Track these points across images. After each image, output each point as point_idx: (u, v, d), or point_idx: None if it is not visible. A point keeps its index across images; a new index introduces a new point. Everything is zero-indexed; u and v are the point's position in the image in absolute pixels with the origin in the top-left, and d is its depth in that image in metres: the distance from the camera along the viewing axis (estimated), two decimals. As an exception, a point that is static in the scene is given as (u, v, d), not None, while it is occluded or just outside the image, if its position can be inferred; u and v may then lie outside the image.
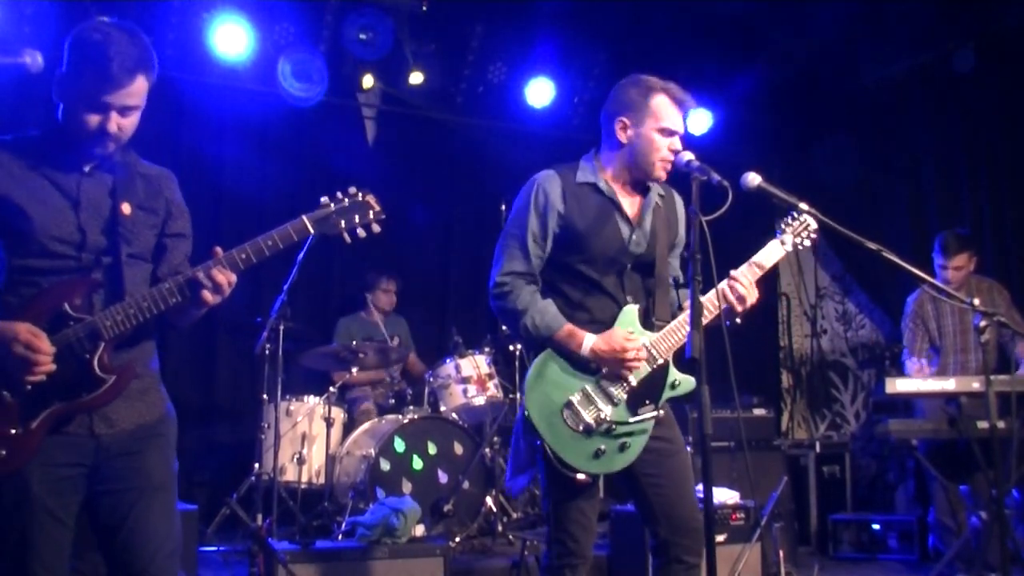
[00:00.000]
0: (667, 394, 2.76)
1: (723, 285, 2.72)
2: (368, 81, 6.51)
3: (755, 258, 2.84)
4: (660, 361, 2.73)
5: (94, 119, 2.18)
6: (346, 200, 2.34)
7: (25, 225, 2.17)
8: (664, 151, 2.75)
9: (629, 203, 2.85)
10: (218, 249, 2.21)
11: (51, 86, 2.23)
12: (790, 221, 2.89)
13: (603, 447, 2.64)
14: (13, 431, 2.11)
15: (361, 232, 2.34)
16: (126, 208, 2.29)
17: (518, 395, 5.26)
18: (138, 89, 2.20)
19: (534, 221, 2.76)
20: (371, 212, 2.35)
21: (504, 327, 5.58)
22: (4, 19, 5.46)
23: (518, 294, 2.72)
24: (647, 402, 2.71)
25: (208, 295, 2.19)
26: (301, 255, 4.59)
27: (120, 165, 2.33)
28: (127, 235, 2.28)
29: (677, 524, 2.71)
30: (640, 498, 2.77)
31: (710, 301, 2.64)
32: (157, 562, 2.24)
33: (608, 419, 2.65)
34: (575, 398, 2.65)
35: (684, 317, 2.75)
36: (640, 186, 2.88)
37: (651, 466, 2.73)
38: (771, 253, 2.85)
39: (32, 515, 2.13)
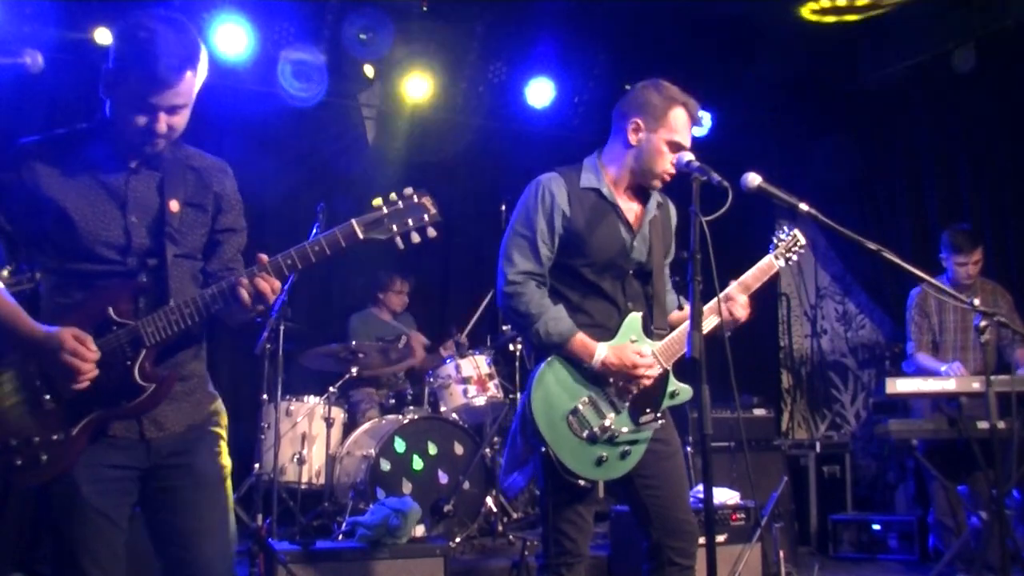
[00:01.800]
0: (666, 403, 2.78)
1: (713, 303, 2.73)
2: (369, 71, 6.48)
3: (749, 273, 2.90)
4: (661, 370, 2.75)
5: (141, 120, 2.13)
6: (400, 202, 2.16)
7: (71, 229, 2.14)
8: (668, 164, 2.78)
9: (629, 210, 2.87)
10: (263, 256, 2.13)
11: (98, 80, 2.18)
12: (782, 237, 2.99)
13: (605, 455, 2.65)
14: (55, 437, 2.08)
15: (415, 237, 2.18)
16: (174, 205, 2.23)
17: (518, 395, 5.26)
18: (186, 87, 2.14)
19: (542, 222, 2.77)
20: (427, 215, 2.17)
21: (506, 326, 5.59)
22: (4, 19, 5.46)
23: (530, 297, 2.72)
24: (648, 410, 2.72)
25: (250, 302, 2.11)
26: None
27: (169, 160, 2.27)
28: (174, 235, 2.22)
29: (671, 527, 2.72)
30: (634, 500, 2.78)
31: (708, 313, 2.68)
32: (216, 568, 2.21)
33: (611, 427, 2.66)
34: (581, 404, 2.66)
35: (686, 326, 2.75)
36: (640, 193, 2.91)
37: (647, 468, 2.73)
38: (766, 268, 2.93)
39: (83, 516, 2.11)
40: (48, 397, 2.09)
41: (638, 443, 2.70)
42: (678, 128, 2.78)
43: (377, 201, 2.16)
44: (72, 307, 2.14)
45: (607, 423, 2.66)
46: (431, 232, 2.19)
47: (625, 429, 2.68)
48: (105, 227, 2.16)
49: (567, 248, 2.78)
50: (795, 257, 2.99)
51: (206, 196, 2.31)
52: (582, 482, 2.63)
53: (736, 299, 2.80)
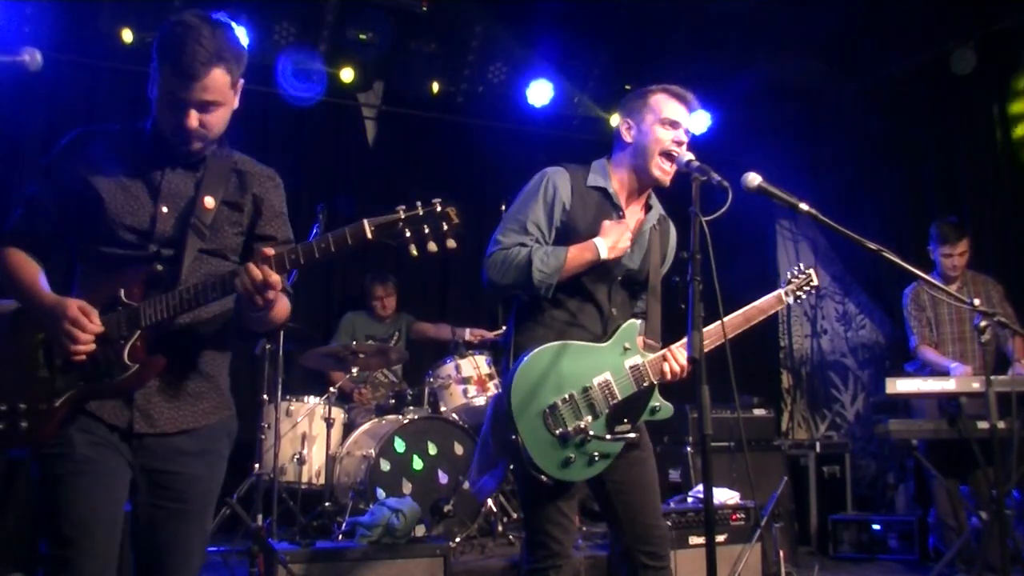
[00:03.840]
0: (645, 417, 2.77)
1: (659, 356, 2.75)
2: (347, 75, 6.48)
3: (754, 305, 2.89)
4: (646, 384, 2.73)
5: (174, 116, 2.14)
6: (421, 209, 2.03)
7: (100, 212, 2.18)
8: (667, 143, 2.78)
9: (632, 215, 2.87)
10: (266, 249, 2.09)
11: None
12: (796, 274, 3.02)
13: (573, 457, 2.63)
14: (40, 406, 2.11)
15: (432, 247, 2.03)
16: (208, 202, 2.23)
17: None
18: (215, 83, 2.11)
19: (540, 211, 2.77)
20: (446, 224, 2.03)
21: (506, 326, 5.59)
22: (4, 19, 5.46)
23: (516, 251, 2.71)
24: (625, 420, 2.70)
25: (245, 292, 2.07)
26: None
27: (214, 161, 2.29)
28: (203, 230, 2.22)
29: (640, 532, 2.71)
30: (604, 503, 2.78)
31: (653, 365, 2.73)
32: None
33: (586, 430, 2.63)
34: (560, 401, 2.64)
35: (679, 344, 2.77)
36: (644, 201, 2.92)
37: (618, 473, 2.72)
38: (773, 302, 2.94)
39: (75, 467, 2.09)
40: (44, 366, 2.13)
41: (608, 456, 2.67)
42: (662, 108, 2.81)
43: (400, 206, 2.06)
44: (91, 287, 2.18)
45: (582, 425, 2.63)
46: (450, 243, 2.05)
47: (598, 436, 2.65)
48: (132, 213, 2.19)
49: (561, 243, 2.76)
50: (804, 296, 3.01)
51: (244, 196, 2.32)
52: (544, 478, 2.60)
53: (677, 355, 2.75)
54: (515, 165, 6.78)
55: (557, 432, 2.61)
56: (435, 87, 6.80)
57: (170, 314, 2.14)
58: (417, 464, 5.01)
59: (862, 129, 6.78)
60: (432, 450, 5.05)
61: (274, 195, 2.38)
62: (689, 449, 5.48)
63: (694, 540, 4.18)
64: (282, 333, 4.96)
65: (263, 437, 5.23)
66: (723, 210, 2.47)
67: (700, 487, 4.41)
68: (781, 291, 2.98)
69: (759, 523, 4.33)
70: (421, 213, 2.03)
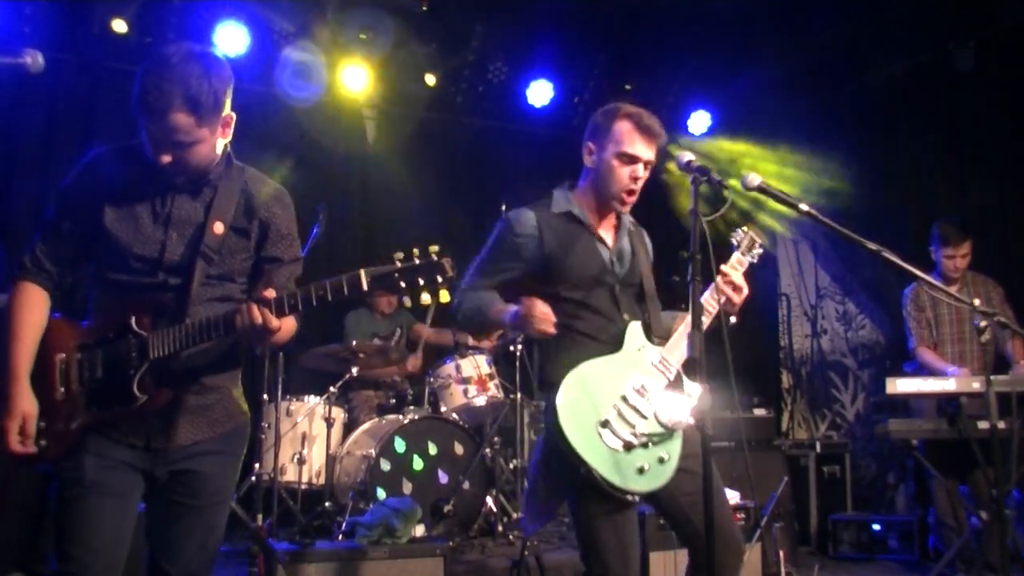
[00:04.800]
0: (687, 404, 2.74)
1: (717, 280, 2.72)
2: (358, 80, 6.49)
3: (724, 267, 2.83)
4: (673, 373, 2.72)
5: (151, 150, 2.15)
6: (416, 259, 2.08)
7: (114, 241, 2.20)
8: (624, 180, 2.75)
9: (603, 228, 2.86)
10: (268, 292, 2.12)
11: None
12: (740, 236, 2.89)
13: (646, 464, 2.59)
14: (58, 427, 2.18)
15: (426, 298, 2.09)
16: (217, 227, 2.24)
17: (518, 395, 5.26)
18: (177, 125, 2.09)
19: (503, 257, 2.77)
20: (440, 276, 2.07)
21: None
22: (4, 19, 5.47)
23: (463, 297, 2.76)
24: (670, 412, 2.68)
25: (243, 331, 2.10)
26: (302, 254, 4.58)
27: (224, 181, 2.28)
28: (211, 255, 2.23)
29: (726, 538, 2.66)
30: (681, 519, 2.74)
31: (708, 301, 2.66)
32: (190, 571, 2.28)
33: (644, 432, 2.61)
34: (611, 416, 2.60)
35: (685, 327, 2.75)
36: (613, 214, 2.89)
37: (688, 484, 2.67)
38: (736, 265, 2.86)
39: (83, 491, 2.15)
40: (61, 389, 2.20)
41: (672, 442, 2.65)
42: (624, 139, 2.75)
43: (398, 254, 2.09)
44: (102, 314, 2.23)
45: (639, 430, 2.61)
46: (443, 296, 2.11)
47: (654, 433, 2.63)
48: (141, 242, 2.21)
49: (546, 277, 2.75)
50: (760, 252, 2.89)
51: (251, 222, 2.32)
52: (629, 497, 2.56)
53: (730, 271, 2.74)
54: (515, 165, 6.83)
55: (620, 446, 2.57)
56: (435, 87, 6.80)
57: (177, 348, 2.17)
58: (417, 464, 5.01)
59: (862, 129, 6.77)
60: (432, 450, 5.06)
61: (280, 217, 2.37)
62: (689, 449, 5.48)
63: (694, 540, 4.17)
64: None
65: (263, 437, 5.23)
66: (723, 210, 2.46)
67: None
68: (736, 253, 2.87)
69: (759, 523, 4.32)
70: (417, 264, 2.07)
